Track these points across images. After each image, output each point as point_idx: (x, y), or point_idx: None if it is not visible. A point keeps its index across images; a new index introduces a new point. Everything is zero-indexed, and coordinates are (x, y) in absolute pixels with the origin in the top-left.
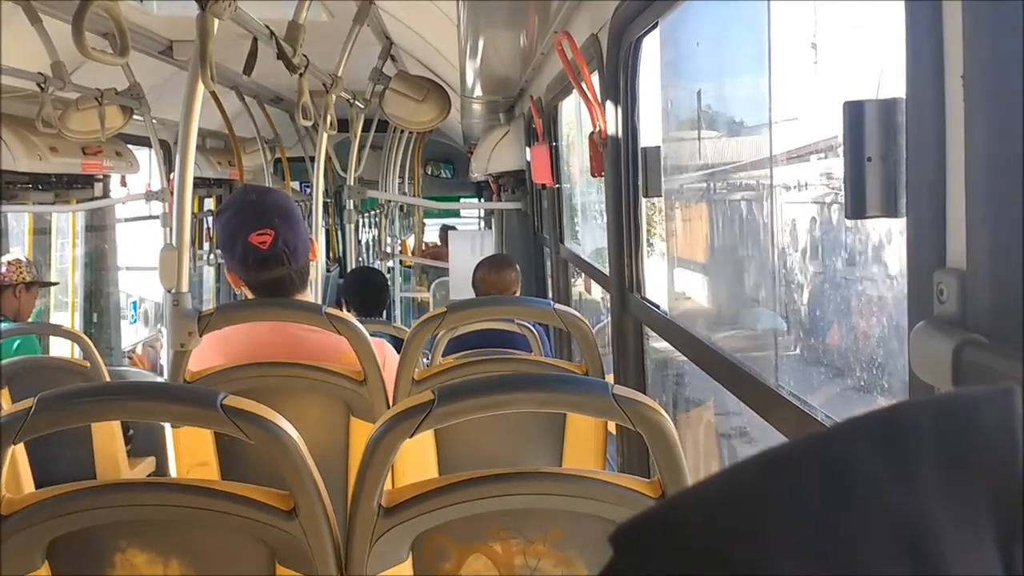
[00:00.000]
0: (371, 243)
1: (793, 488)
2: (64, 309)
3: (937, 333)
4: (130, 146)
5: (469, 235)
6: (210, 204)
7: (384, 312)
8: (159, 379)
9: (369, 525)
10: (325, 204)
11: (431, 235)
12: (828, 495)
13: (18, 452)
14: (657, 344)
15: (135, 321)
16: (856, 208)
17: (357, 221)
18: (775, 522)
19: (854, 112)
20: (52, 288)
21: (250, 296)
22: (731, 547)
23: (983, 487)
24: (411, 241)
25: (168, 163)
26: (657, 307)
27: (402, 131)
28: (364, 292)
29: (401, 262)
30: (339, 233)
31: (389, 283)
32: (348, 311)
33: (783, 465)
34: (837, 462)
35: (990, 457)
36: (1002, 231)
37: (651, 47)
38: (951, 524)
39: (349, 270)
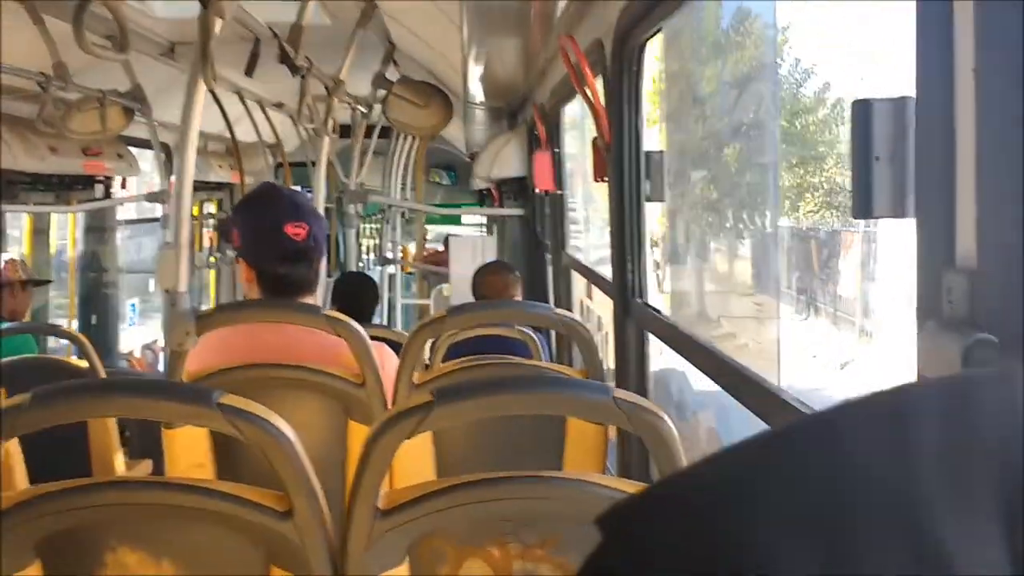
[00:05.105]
0: (371, 249)
1: (789, 465)
2: (63, 310)
3: (946, 333)
4: (133, 149)
5: (470, 241)
6: (210, 208)
7: (371, 318)
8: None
9: (366, 527)
10: (327, 210)
11: (432, 244)
12: (825, 472)
13: (13, 451)
14: None
15: (132, 324)
16: (863, 208)
17: (358, 227)
18: (769, 498)
19: (862, 112)
20: (50, 290)
21: (258, 295)
22: (723, 522)
23: (986, 469)
24: (412, 247)
25: (169, 165)
26: (659, 312)
27: (405, 137)
28: (353, 298)
29: (402, 268)
30: (340, 239)
31: (382, 288)
32: None
33: (780, 444)
34: (836, 440)
35: (993, 440)
36: (1013, 230)
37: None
38: (952, 504)
39: (338, 276)
